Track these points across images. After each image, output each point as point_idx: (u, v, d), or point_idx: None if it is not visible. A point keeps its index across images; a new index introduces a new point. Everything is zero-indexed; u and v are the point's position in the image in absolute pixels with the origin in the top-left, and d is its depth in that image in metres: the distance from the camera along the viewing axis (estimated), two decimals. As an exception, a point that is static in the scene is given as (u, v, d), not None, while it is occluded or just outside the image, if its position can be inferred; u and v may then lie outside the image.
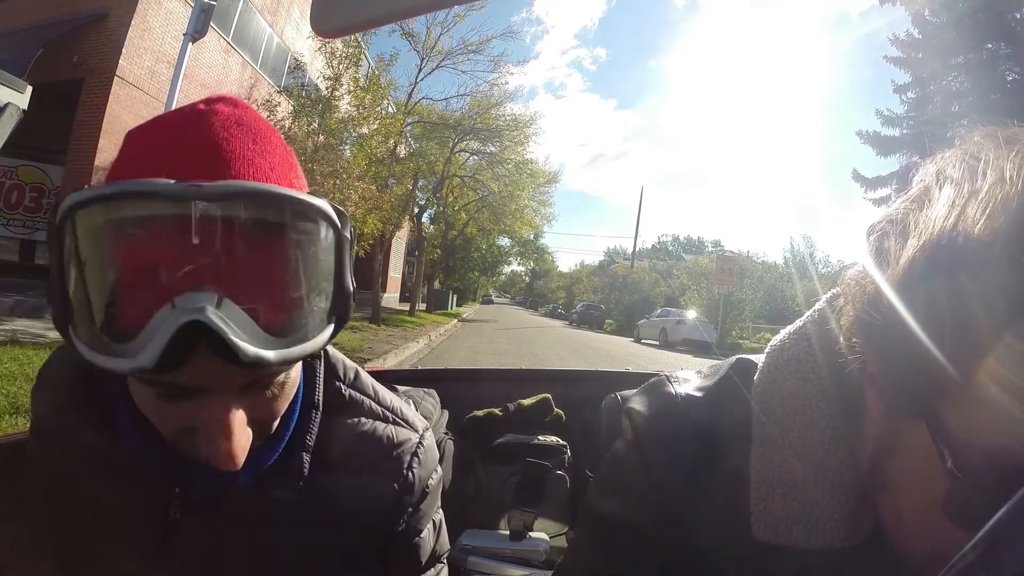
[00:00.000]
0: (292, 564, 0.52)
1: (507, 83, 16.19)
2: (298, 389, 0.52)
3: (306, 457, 0.52)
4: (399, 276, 27.38)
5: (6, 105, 1.58)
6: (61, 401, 0.50)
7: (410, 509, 0.58)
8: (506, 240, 29.58)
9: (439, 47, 14.20)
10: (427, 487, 0.60)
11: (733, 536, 0.42)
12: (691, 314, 19.51)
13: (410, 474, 0.58)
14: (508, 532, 1.11)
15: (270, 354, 0.38)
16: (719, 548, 0.43)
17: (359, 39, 10.84)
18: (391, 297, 23.17)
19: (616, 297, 30.32)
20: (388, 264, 21.45)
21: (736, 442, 0.44)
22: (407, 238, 26.02)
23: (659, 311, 21.17)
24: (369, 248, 13.92)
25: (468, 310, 34.24)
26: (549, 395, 1.33)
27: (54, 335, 5.29)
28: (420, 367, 6.98)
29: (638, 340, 19.49)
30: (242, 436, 0.42)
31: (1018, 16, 14.56)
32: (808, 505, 0.41)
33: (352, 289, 0.44)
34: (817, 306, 0.46)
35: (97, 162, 7.72)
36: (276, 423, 0.48)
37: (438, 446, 1.11)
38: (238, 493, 0.49)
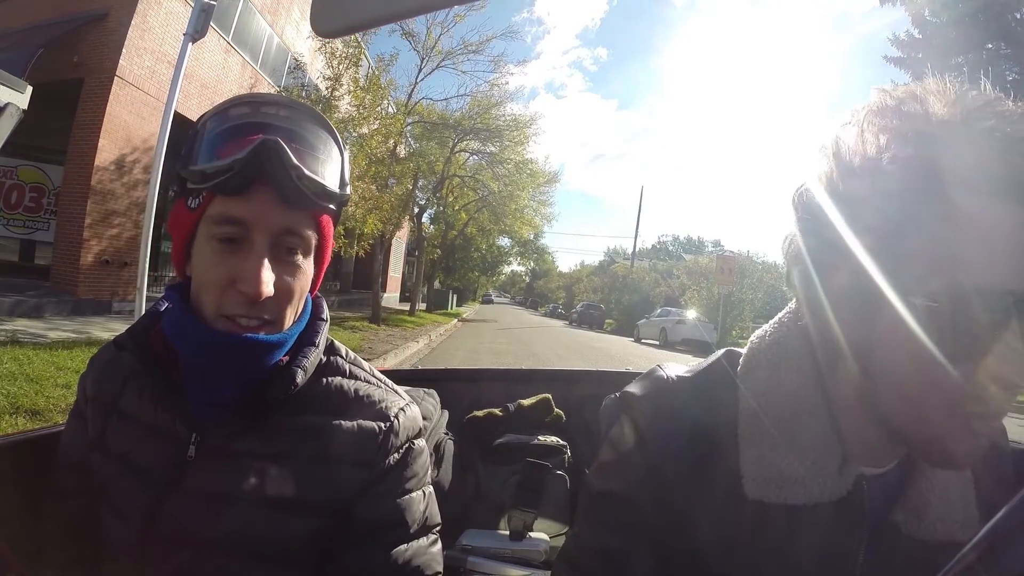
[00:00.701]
0: (287, 496, 0.58)
1: (507, 83, 16.12)
2: (304, 319, 0.64)
3: (312, 352, 0.62)
4: (399, 276, 27.38)
5: (6, 105, 1.58)
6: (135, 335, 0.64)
7: (395, 454, 0.63)
8: (506, 240, 29.61)
9: (439, 47, 14.16)
10: (413, 444, 0.66)
11: (727, 498, 0.46)
12: (691, 314, 19.52)
13: (395, 421, 0.64)
14: (508, 532, 1.11)
15: (316, 176, 0.57)
16: (714, 511, 0.47)
17: (359, 39, 10.84)
18: (391, 297, 23.17)
19: (616, 297, 30.33)
20: (388, 264, 21.45)
21: (725, 415, 0.49)
22: (407, 238, 26.02)
23: (659, 311, 21.16)
24: (369, 248, 13.92)
25: (468, 310, 34.25)
26: (549, 395, 1.33)
27: (54, 335, 5.31)
28: (420, 367, 6.98)
29: (638, 340, 19.49)
30: (268, 281, 0.55)
31: (1018, 16, 14.56)
32: (795, 464, 0.45)
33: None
34: (791, 304, 0.52)
35: (97, 162, 7.72)
36: (289, 310, 0.60)
37: (438, 446, 1.12)
38: (241, 417, 0.59)
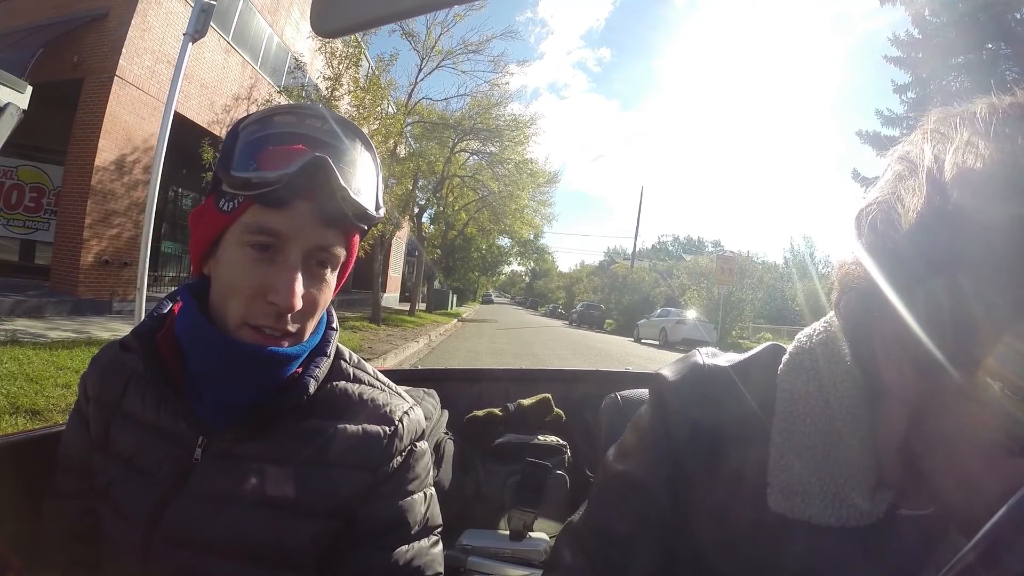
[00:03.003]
0: (291, 499, 0.58)
1: (508, 83, 16.14)
2: (320, 330, 0.65)
3: (324, 363, 0.63)
4: (399, 276, 27.37)
5: (6, 105, 1.58)
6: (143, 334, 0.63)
7: (399, 458, 0.63)
8: (506, 240, 29.56)
9: (439, 47, 14.18)
10: (415, 446, 0.66)
11: (747, 506, 0.43)
12: (691, 314, 19.50)
13: (400, 425, 0.64)
14: (508, 532, 1.11)
15: (357, 197, 0.57)
16: (731, 517, 0.44)
17: (359, 39, 10.83)
18: (391, 297, 23.16)
19: (616, 297, 30.31)
20: (388, 264, 21.44)
21: (759, 414, 0.45)
22: (407, 238, 26.01)
23: (659, 311, 21.15)
24: (369, 248, 13.91)
25: (468, 310, 34.24)
26: (549, 395, 1.33)
27: (54, 335, 5.31)
28: (420, 367, 6.98)
29: (638, 340, 19.48)
30: (300, 295, 0.56)
31: (1018, 16, 14.55)
32: (827, 480, 0.41)
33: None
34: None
35: (97, 162, 7.72)
36: (311, 322, 0.61)
37: (438, 446, 1.12)
38: (249, 423, 0.59)
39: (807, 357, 0.46)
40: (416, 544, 0.63)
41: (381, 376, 0.71)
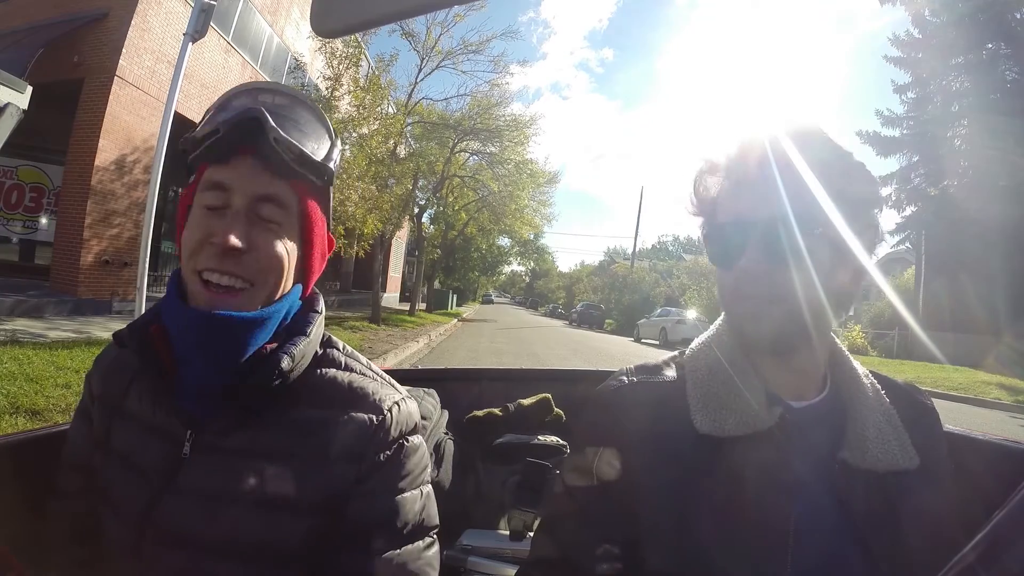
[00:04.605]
0: (280, 493, 0.58)
1: (508, 83, 16.12)
2: (289, 304, 0.64)
3: (301, 341, 0.62)
4: (399, 276, 27.36)
5: (6, 105, 1.58)
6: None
7: (387, 450, 0.62)
8: (506, 240, 29.57)
9: (439, 47, 14.16)
10: (407, 440, 0.64)
11: (684, 433, 0.58)
12: (691, 314, 19.50)
13: (388, 414, 0.63)
14: (508, 532, 1.11)
15: (292, 140, 0.59)
16: (673, 450, 0.58)
17: (359, 39, 10.83)
18: (391, 297, 23.16)
19: (616, 297, 30.31)
20: (388, 264, 21.44)
21: (675, 387, 0.63)
22: (407, 238, 25.99)
23: (659, 311, 21.16)
24: (369, 248, 13.92)
25: (468, 310, 34.22)
26: (549, 395, 1.33)
27: (54, 335, 5.30)
28: (420, 367, 6.98)
29: (638, 340, 19.47)
30: (237, 235, 0.57)
31: (1018, 16, 14.54)
32: (730, 403, 0.58)
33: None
34: None
35: (97, 162, 7.71)
36: (267, 276, 0.60)
37: (438, 446, 1.12)
38: (233, 410, 0.60)
39: (700, 339, 0.68)
40: (408, 547, 0.60)
41: (375, 367, 0.70)
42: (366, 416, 0.62)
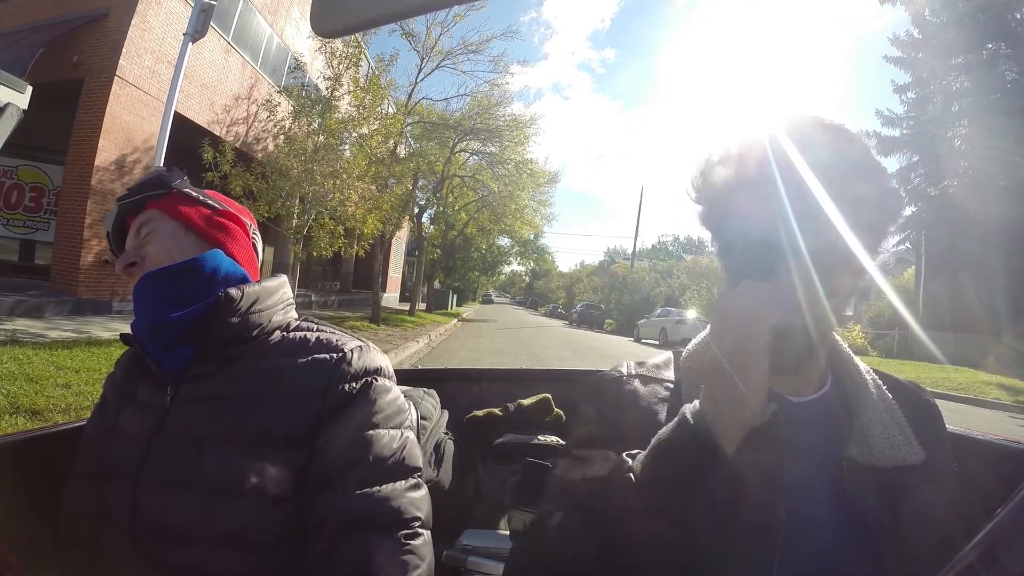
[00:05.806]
0: (253, 430, 0.63)
1: (508, 83, 16.14)
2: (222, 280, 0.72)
3: (253, 285, 0.71)
4: (399, 276, 27.36)
5: (6, 105, 1.58)
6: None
7: (350, 384, 0.66)
8: (506, 240, 29.53)
9: (439, 47, 14.17)
10: (375, 379, 0.68)
11: (678, 427, 0.58)
12: (691, 314, 19.49)
13: (349, 352, 0.69)
14: (508, 532, 1.11)
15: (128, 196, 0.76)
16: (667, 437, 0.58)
17: (359, 39, 10.83)
18: (391, 297, 23.16)
19: (616, 297, 30.28)
20: (388, 264, 21.44)
21: (667, 384, 0.66)
22: (407, 238, 25.99)
23: (659, 311, 21.14)
24: (369, 248, 13.91)
25: (468, 310, 34.22)
26: (549, 395, 1.33)
27: (54, 335, 5.30)
28: (420, 367, 6.98)
29: (638, 340, 19.46)
30: (120, 263, 0.72)
31: (1018, 16, 14.54)
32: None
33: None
34: None
35: (97, 162, 7.71)
36: (159, 257, 0.71)
37: (438, 446, 1.12)
38: (206, 367, 0.68)
39: (699, 338, 0.67)
40: (389, 486, 0.62)
41: (349, 333, 0.75)
42: (327, 355, 0.68)
